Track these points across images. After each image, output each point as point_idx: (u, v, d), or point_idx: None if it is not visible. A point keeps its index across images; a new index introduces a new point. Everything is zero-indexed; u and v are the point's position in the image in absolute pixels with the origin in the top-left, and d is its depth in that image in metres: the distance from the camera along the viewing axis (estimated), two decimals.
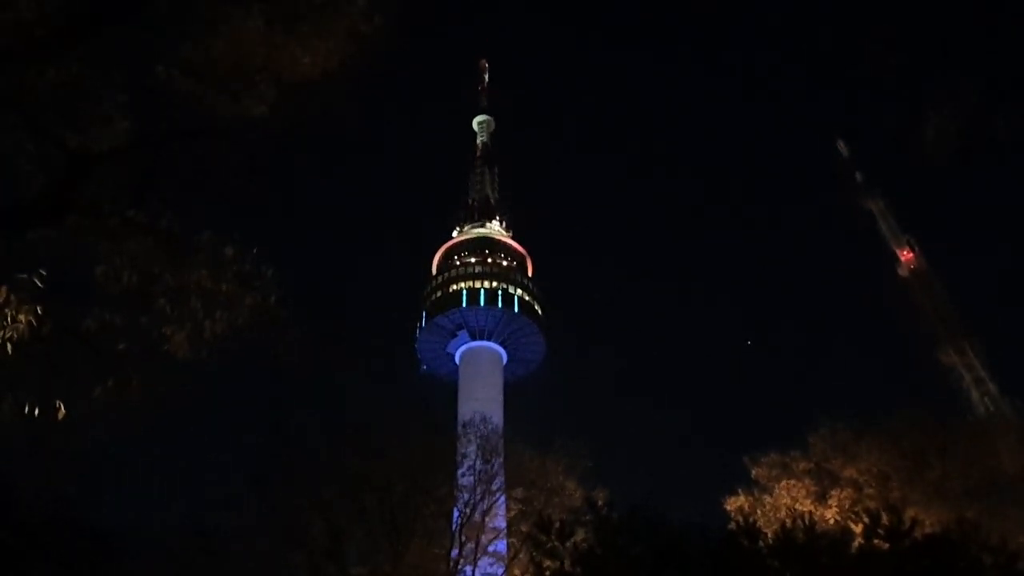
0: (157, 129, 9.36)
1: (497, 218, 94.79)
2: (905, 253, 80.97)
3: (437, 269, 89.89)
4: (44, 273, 7.68)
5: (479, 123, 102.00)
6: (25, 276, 7.45)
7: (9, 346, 7.38)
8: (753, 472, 33.46)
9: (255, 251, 8.58)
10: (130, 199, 8.66)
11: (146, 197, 8.79)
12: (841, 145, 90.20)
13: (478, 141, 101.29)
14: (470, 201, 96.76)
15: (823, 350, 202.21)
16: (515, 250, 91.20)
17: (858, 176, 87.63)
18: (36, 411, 7.90)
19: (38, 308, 7.60)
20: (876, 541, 17.91)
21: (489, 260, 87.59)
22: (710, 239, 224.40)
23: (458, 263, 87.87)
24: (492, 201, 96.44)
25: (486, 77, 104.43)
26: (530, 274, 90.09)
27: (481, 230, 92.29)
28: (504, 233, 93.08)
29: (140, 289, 8.28)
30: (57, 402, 8.04)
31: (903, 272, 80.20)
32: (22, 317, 7.30)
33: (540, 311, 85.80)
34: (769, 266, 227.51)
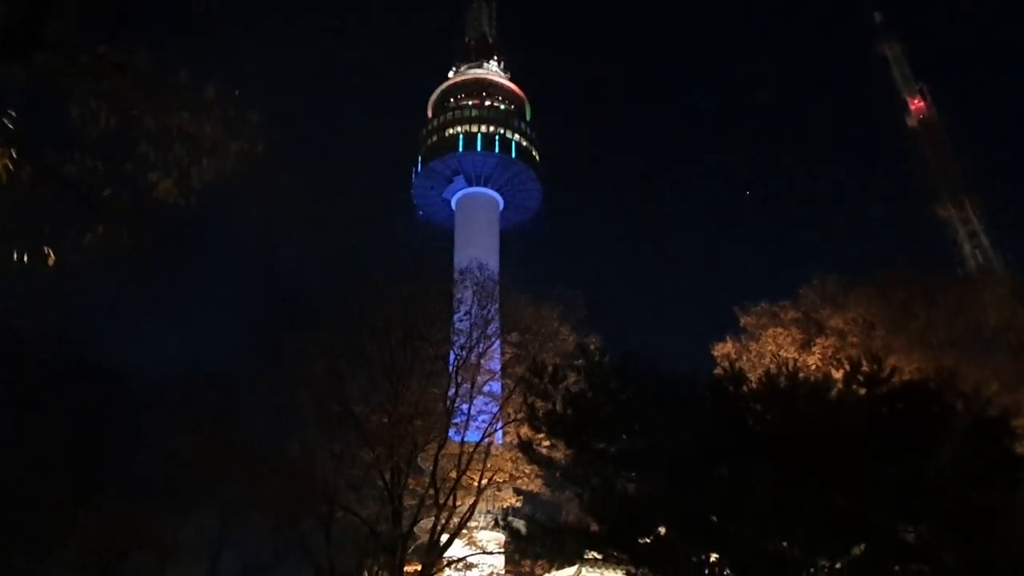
0: None
1: (495, 58, 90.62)
2: (916, 102, 78.48)
3: (432, 112, 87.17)
4: (14, 114, 7.30)
5: None
6: None
7: None
8: (742, 320, 34.16)
9: (237, 93, 8.12)
10: (102, 36, 8.04)
11: (119, 34, 8.16)
12: None
13: None
14: (466, 40, 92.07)
15: (824, 203, 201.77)
16: (513, 93, 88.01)
17: (876, 16, 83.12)
18: (25, 258, 7.77)
19: (13, 151, 7.29)
20: (855, 387, 18.63)
21: (487, 103, 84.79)
22: (714, 88, 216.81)
23: (454, 106, 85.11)
24: (490, 40, 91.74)
25: None
26: (528, 119, 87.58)
27: (478, 71, 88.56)
28: (502, 75, 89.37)
29: (120, 132, 7.89)
30: (46, 249, 7.89)
31: (911, 122, 78.14)
32: None
33: (537, 157, 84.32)
34: (772, 116, 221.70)
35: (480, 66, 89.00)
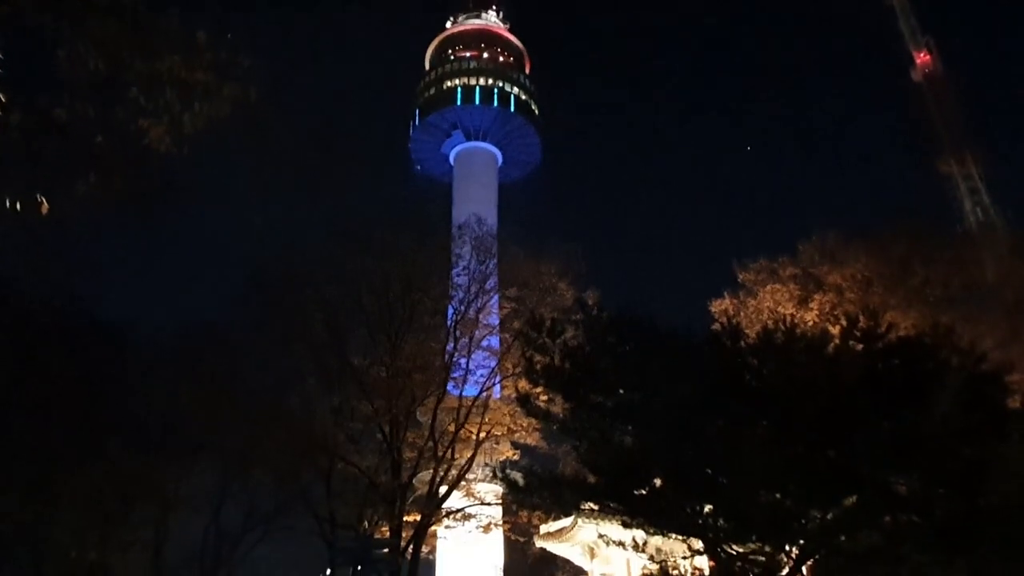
0: None
1: (494, 8, 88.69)
2: (922, 55, 77.19)
3: (430, 64, 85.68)
4: (2, 57, 7.11)
5: None
6: None
7: None
8: (740, 276, 34.15)
9: (229, 37, 7.89)
10: None
11: None
12: None
13: None
14: None
15: (826, 159, 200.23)
16: (512, 45, 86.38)
17: None
18: (18, 206, 7.66)
19: (1, 96, 7.11)
20: (851, 342, 18.65)
21: (485, 55, 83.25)
22: (716, 40, 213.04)
23: (452, 58, 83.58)
24: None
25: None
26: (527, 71, 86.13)
27: (477, 21, 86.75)
28: (501, 25, 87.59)
29: (110, 77, 7.70)
30: (39, 196, 7.77)
31: (916, 76, 76.98)
32: None
33: (537, 111, 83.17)
34: (775, 70, 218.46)
35: (479, 16, 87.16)
